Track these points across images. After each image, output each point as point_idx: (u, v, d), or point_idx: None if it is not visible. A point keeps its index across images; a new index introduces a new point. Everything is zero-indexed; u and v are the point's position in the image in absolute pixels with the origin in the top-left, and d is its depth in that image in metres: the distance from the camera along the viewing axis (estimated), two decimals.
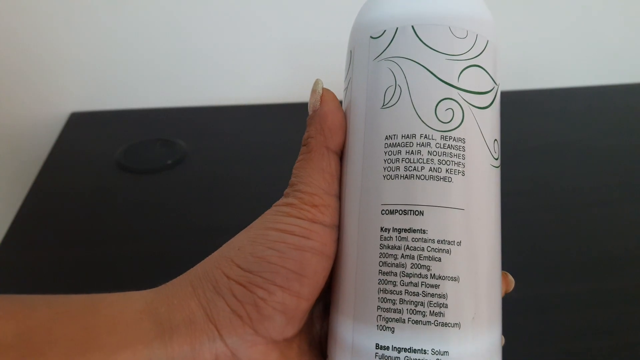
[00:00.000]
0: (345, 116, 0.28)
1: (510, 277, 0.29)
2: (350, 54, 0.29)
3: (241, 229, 0.28)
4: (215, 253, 0.27)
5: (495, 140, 0.27)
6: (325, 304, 0.29)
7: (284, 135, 0.77)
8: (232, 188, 0.68)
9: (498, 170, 0.27)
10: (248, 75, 0.86)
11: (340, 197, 0.28)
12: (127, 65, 0.82)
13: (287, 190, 0.28)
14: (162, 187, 0.68)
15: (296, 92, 0.87)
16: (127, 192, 0.67)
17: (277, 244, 0.26)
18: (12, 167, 0.84)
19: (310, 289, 0.26)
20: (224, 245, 0.27)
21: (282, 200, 0.28)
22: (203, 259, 0.28)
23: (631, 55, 0.93)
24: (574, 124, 0.82)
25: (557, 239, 0.59)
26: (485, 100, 0.26)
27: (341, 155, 0.28)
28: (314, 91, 0.29)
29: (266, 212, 0.28)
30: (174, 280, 0.27)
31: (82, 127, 0.81)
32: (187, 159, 0.73)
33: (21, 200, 0.65)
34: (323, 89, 0.29)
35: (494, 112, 0.27)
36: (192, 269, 0.27)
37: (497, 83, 0.27)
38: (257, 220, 0.28)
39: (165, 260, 0.56)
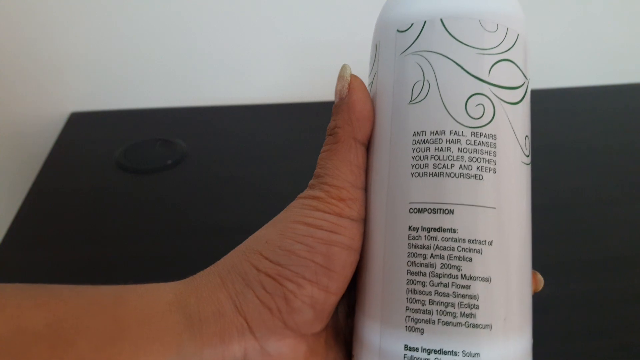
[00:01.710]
0: (373, 106, 0.27)
1: (540, 276, 0.28)
2: (376, 48, 0.28)
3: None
4: (242, 246, 0.26)
5: (527, 136, 0.26)
6: (350, 298, 0.28)
7: (285, 136, 0.77)
8: (232, 188, 0.67)
9: (529, 167, 0.26)
10: (248, 75, 0.85)
11: (365, 191, 0.27)
12: (127, 65, 0.81)
13: (312, 182, 0.27)
14: (162, 187, 0.67)
15: (297, 92, 0.87)
16: (127, 192, 0.66)
17: (305, 238, 0.25)
18: (13, 166, 0.83)
19: (338, 284, 0.25)
20: (250, 238, 0.26)
21: (308, 192, 0.27)
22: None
23: (631, 56, 0.92)
24: (574, 124, 0.81)
25: (556, 239, 0.58)
26: (516, 95, 0.25)
27: (367, 147, 0.27)
28: (341, 77, 0.27)
29: (292, 204, 0.27)
30: (202, 273, 0.26)
31: (82, 127, 0.80)
32: (187, 159, 0.72)
33: (21, 199, 0.64)
34: (351, 75, 0.27)
35: (525, 108, 0.26)
36: (219, 261, 0.26)
37: (528, 78, 0.26)
38: (283, 213, 0.27)
39: (166, 260, 0.55)
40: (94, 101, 0.83)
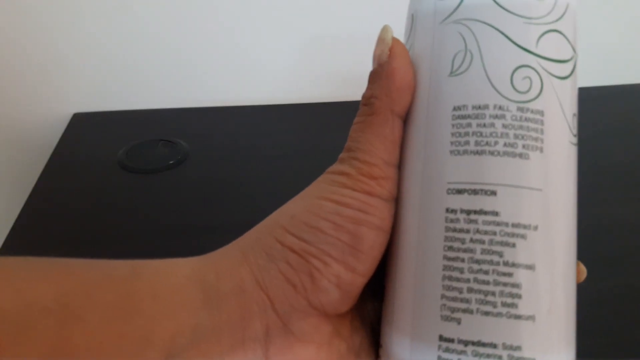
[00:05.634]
0: (415, 75, 0.24)
1: (583, 267, 0.25)
2: (412, 17, 0.25)
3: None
4: (266, 221, 0.24)
5: (574, 114, 0.23)
6: (379, 281, 0.25)
7: (287, 136, 0.75)
8: (233, 188, 0.65)
9: (576, 148, 0.24)
10: (250, 75, 0.84)
11: (399, 169, 0.24)
12: (129, 65, 0.80)
13: (342, 155, 0.24)
14: (164, 188, 0.65)
15: (300, 93, 0.85)
16: (129, 192, 0.64)
17: (332, 215, 0.22)
18: (15, 167, 0.81)
19: (366, 265, 0.23)
20: (275, 213, 0.24)
21: (337, 167, 0.24)
22: None
23: (631, 57, 0.91)
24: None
25: None
26: (565, 69, 0.23)
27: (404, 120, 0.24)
28: (381, 40, 0.24)
29: (320, 179, 0.24)
30: (223, 248, 0.24)
31: (85, 127, 0.78)
32: (189, 160, 0.70)
33: (24, 200, 0.62)
34: (393, 38, 0.24)
35: (573, 84, 0.23)
36: (241, 237, 0.24)
37: (576, 52, 0.24)
38: (310, 188, 0.24)
39: None
40: (96, 102, 0.81)
